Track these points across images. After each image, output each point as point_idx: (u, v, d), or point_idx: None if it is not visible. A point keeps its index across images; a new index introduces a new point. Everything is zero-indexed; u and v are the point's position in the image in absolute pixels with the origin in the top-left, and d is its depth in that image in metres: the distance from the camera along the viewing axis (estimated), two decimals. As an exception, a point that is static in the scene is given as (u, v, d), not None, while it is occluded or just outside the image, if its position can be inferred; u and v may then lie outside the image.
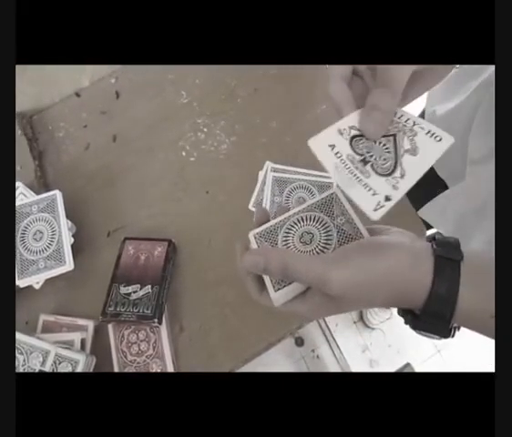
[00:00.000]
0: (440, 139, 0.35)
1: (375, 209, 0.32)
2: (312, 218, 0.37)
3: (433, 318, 0.29)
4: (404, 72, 0.32)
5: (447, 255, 0.29)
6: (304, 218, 0.37)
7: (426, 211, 0.60)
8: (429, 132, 0.35)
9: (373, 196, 0.32)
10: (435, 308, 0.29)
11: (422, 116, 0.66)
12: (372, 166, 0.33)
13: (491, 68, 0.51)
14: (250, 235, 0.36)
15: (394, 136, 0.35)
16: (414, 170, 0.34)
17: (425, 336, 0.31)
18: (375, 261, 0.30)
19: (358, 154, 0.33)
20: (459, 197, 0.55)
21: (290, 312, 0.34)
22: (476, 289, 0.29)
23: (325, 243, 0.35)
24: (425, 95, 0.65)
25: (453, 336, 0.30)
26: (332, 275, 0.29)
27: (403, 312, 0.32)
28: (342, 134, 0.33)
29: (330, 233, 0.36)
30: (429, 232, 0.62)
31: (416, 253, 0.30)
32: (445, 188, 0.62)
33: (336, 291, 0.29)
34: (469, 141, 0.53)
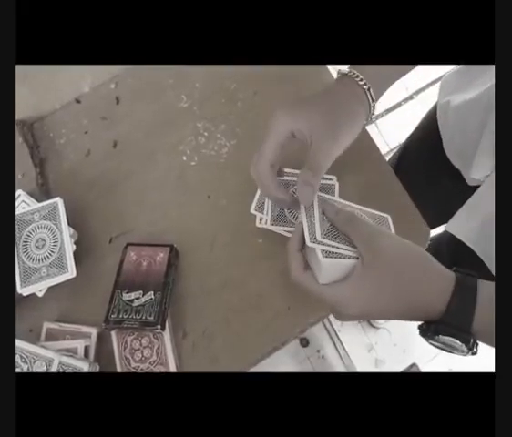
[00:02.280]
0: None
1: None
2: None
3: (454, 317, 0.33)
4: (327, 161, 0.41)
5: (466, 272, 0.35)
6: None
7: (452, 225, 0.59)
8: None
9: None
10: (458, 302, 0.33)
11: (434, 107, 0.65)
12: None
13: None
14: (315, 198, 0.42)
15: None
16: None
17: (448, 347, 0.35)
18: (416, 246, 0.37)
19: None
20: (482, 202, 0.54)
21: (329, 298, 0.37)
22: (491, 310, 0.32)
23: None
24: (438, 85, 0.65)
25: (472, 348, 0.33)
26: (384, 234, 0.37)
27: (426, 324, 0.37)
28: None
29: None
30: (433, 233, 0.62)
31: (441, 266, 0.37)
32: (459, 175, 0.61)
33: (385, 248, 0.35)
34: (487, 142, 0.51)
